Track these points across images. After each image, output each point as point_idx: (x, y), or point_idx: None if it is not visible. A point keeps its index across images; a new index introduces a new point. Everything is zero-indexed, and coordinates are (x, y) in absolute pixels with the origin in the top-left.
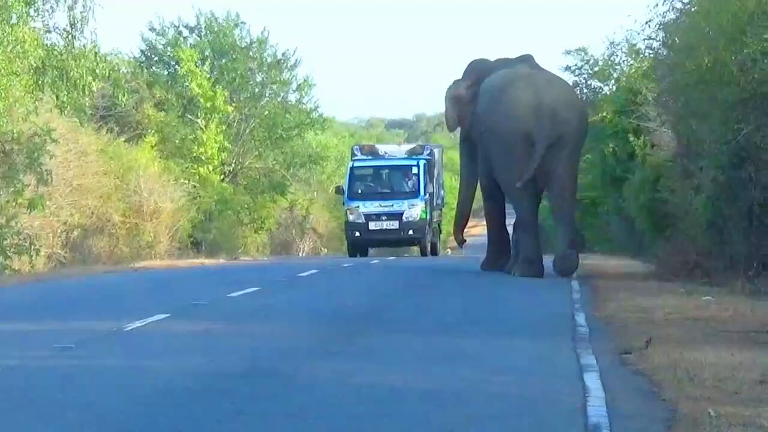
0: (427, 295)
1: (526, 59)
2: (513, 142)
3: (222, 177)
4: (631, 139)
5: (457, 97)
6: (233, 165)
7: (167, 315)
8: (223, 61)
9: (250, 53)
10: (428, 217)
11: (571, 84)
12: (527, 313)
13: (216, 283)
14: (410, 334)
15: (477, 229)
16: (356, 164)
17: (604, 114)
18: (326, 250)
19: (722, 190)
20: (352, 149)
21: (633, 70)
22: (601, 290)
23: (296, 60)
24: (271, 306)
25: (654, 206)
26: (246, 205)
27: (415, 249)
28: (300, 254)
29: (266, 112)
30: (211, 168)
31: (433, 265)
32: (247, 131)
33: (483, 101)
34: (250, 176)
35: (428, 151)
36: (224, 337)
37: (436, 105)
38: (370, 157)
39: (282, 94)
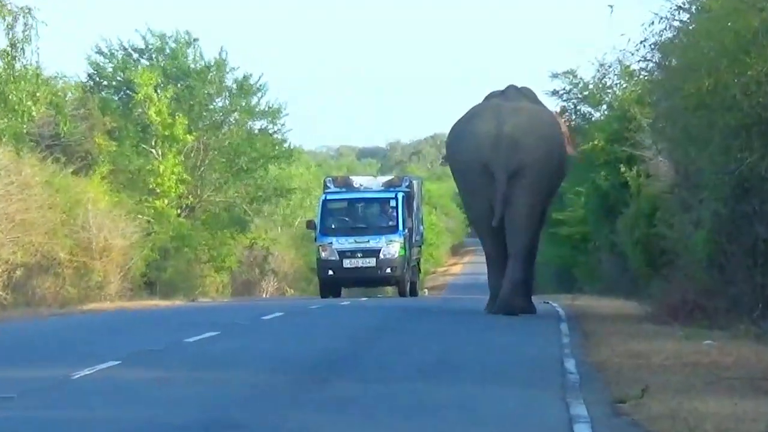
0: (403, 338)
1: (509, 90)
2: (472, 174)
3: (179, 211)
4: (624, 169)
5: None
6: (191, 199)
7: (118, 362)
8: (179, 85)
9: (208, 77)
10: (407, 254)
11: (554, 111)
12: (512, 359)
13: (172, 327)
14: (385, 381)
15: (458, 267)
16: (329, 197)
17: (595, 142)
18: (292, 290)
19: (724, 225)
20: (324, 181)
21: (626, 93)
22: (593, 334)
23: (261, 84)
24: (232, 352)
25: (650, 242)
26: (205, 242)
27: (390, 289)
28: (264, 295)
29: (227, 142)
30: (167, 202)
31: (409, 306)
32: (207, 162)
33: (449, 136)
34: (209, 211)
35: (407, 183)
36: (180, 386)
37: (411, 132)
38: (343, 190)
39: (247, 122)
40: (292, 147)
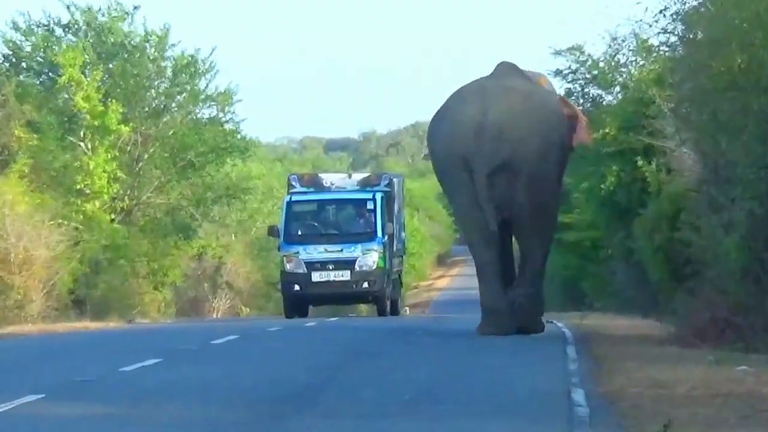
0: (379, 366)
1: (500, 68)
2: (453, 169)
3: (113, 216)
4: (641, 162)
5: None
6: (127, 201)
7: (42, 395)
8: (112, 66)
9: (147, 56)
10: (387, 265)
11: (554, 91)
12: (509, 390)
13: (105, 354)
14: (355, 417)
15: (444, 281)
16: (295, 198)
17: (607, 130)
18: (248, 309)
19: (761, 228)
20: (288, 179)
21: (643, 73)
22: (605, 359)
23: (210, 64)
24: (176, 382)
25: (672, 249)
26: (144, 253)
27: (365, 308)
28: (214, 315)
29: (171, 132)
30: (98, 204)
31: (388, 327)
32: (146, 157)
33: (430, 125)
34: (149, 215)
35: (386, 182)
36: (116, 423)
37: (389, 121)
38: (311, 190)
39: (193, 110)
40: (247, 138)
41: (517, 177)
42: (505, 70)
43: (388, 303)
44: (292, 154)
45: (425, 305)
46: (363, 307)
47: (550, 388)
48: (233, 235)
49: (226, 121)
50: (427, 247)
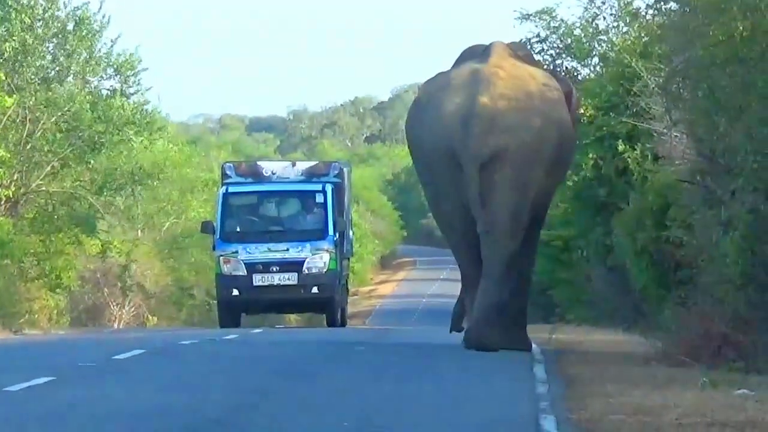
0: (312, 387)
1: (491, 47)
2: (437, 165)
3: None
4: (624, 147)
5: None
6: (13, 189)
7: None
8: None
9: (34, 12)
10: (338, 268)
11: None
12: (466, 416)
13: None
14: None
15: (388, 287)
16: (232, 190)
17: (583, 111)
18: (155, 319)
19: (765, 226)
20: (222, 168)
21: (627, 42)
22: (580, 380)
23: (103, 18)
24: (71, 405)
25: (660, 251)
26: (33, 251)
27: (293, 317)
28: (116, 325)
29: (65, 108)
30: None
31: (322, 341)
32: (36, 136)
33: (410, 112)
34: (39, 206)
35: (336, 171)
36: None
37: (324, 97)
38: (250, 180)
39: (91, 80)
40: (155, 114)
41: (501, 171)
42: (499, 49)
43: (339, 312)
44: (208, 135)
45: (366, 315)
46: (291, 317)
47: (514, 415)
48: (139, 231)
49: (132, 93)
50: (369, 247)
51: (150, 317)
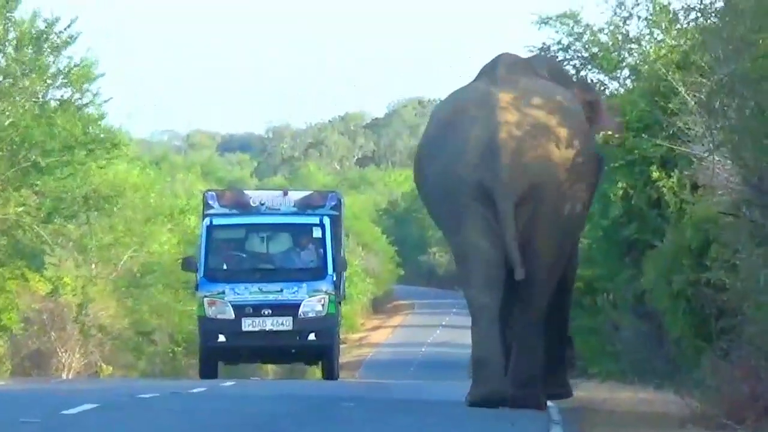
0: None
1: (502, 62)
2: (457, 197)
3: None
4: (657, 174)
5: None
6: None
7: None
8: None
9: None
10: (337, 311)
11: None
12: None
13: None
14: None
15: (382, 334)
16: (216, 222)
17: (610, 132)
18: (110, 368)
19: None
20: (204, 197)
21: (662, 51)
22: None
23: (70, 36)
24: None
25: (698, 295)
26: None
27: (271, 368)
28: (65, 375)
29: (8, 122)
30: None
31: (302, 396)
32: None
33: (419, 149)
34: None
35: (333, 202)
36: None
37: (308, 113)
38: (235, 211)
39: (40, 92)
40: (114, 130)
41: (535, 211)
42: (511, 65)
43: (336, 362)
44: (174, 154)
45: (356, 366)
46: (269, 368)
47: None
48: (93, 266)
49: (85, 105)
50: (360, 287)
51: (104, 366)
